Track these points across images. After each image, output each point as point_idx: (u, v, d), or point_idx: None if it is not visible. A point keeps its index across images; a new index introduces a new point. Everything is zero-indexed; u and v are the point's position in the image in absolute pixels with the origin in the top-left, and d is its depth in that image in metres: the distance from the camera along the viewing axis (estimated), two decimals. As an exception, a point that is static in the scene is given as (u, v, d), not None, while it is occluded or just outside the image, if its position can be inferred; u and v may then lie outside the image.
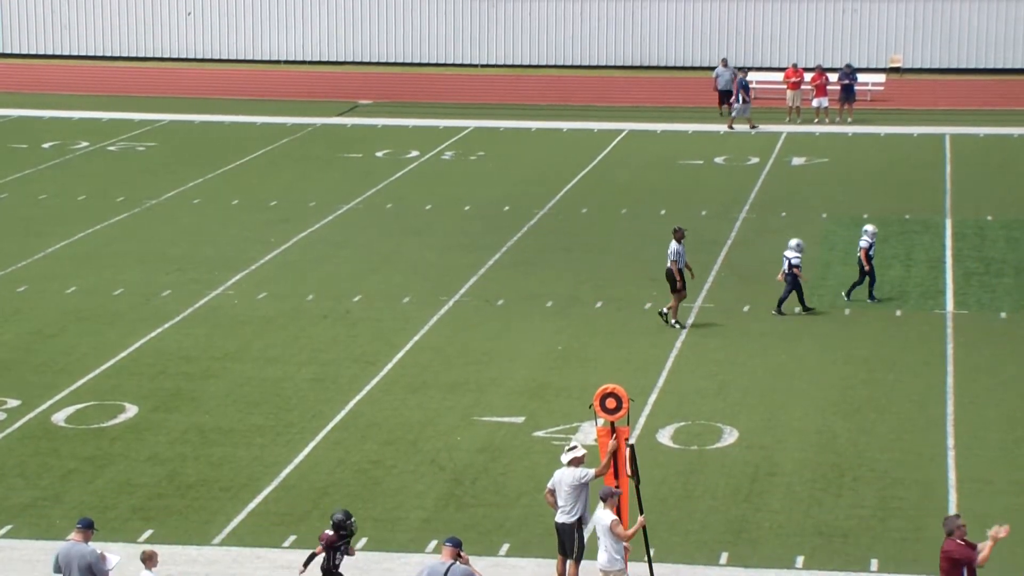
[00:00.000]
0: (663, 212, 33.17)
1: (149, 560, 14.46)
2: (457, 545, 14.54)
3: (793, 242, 25.79)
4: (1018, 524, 17.64)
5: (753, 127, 42.37)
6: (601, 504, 15.41)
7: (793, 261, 25.44)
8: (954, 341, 24.18)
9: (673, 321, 24.83)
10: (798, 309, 25.61)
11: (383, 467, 19.45)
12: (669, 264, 24.91)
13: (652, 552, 16.09)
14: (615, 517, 15.31)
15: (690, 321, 25.38)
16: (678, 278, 24.82)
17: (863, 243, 26.18)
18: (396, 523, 17.83)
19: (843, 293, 26.38)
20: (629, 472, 15.56)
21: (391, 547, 17.19)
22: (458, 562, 14.40)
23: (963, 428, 20.56)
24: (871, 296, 26.20)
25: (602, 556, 15.36)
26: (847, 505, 18.18)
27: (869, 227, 26.62)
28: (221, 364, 23.36)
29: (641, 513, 15.56)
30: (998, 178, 36.38)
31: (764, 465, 19.41)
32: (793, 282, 25.45)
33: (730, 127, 42.48)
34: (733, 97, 42.73)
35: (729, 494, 18.31)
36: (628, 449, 15.58)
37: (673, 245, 24.96)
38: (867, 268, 26.10)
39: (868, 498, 18.36)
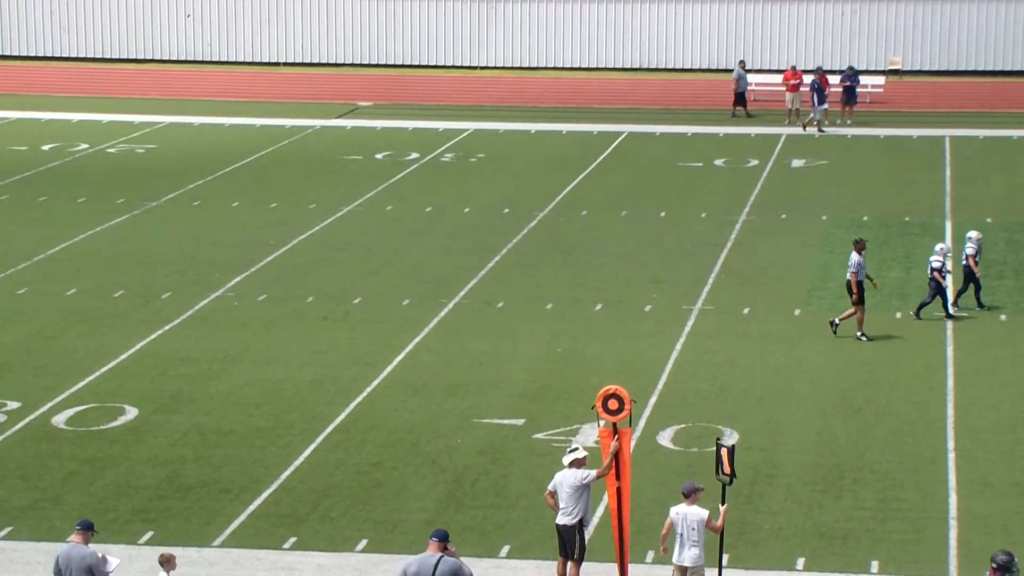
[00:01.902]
0: (663, 214, 33.18)
1: (167, 563, 14.42)
2: (443, 538, 14.49)
3: (937, 246, 25.46)
4: (1018, 527, 17.67)
5: (820, 131, 42.06)
6: (686, 500, 15.42)
7: (934, 265, 25.06)
8: (954, 343, 24.18)
9: (859, 333, 24.24)
10: (939, 312, 25.31)
11: (383, 469, 19.45)
12: (849, 275, 24.32)
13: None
14: (707, 511, 15.39)
15: (691, 323, 25.39)
16: (855, 290, 24.17)
17: (969, 249, 25.59)
18: (397, 525, 17.83)
19: (950, 305, 25.51)
20: (728, 471, 15.57)
21: (392, 549, 17.18)
22: (447, 553, 14.39)
23: (963, 430, 20.56)
24: (979, 304, 25.72)
25: (690, 552, 15.35)
26: (847, 507, 18.18)
27: (973, 233, 26.03)
28: (221, 366, 23.36)
29: (723, 503, 15.59)
30: (998, 180, 36.39)
31: (764, 467, 19.41)
32: (937, 287, 24.99)
33: (804, 128, 42.11)
34: (814, 100, 41.94)
35: (729, 495, 18.21)
36: (727, 450, 15.57)
37: (854, 256, 24.36)
38: (976, 274, 25.50)
39: (868, 500, 18.36)
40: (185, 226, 32.34)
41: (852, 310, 24.43)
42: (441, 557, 14.35)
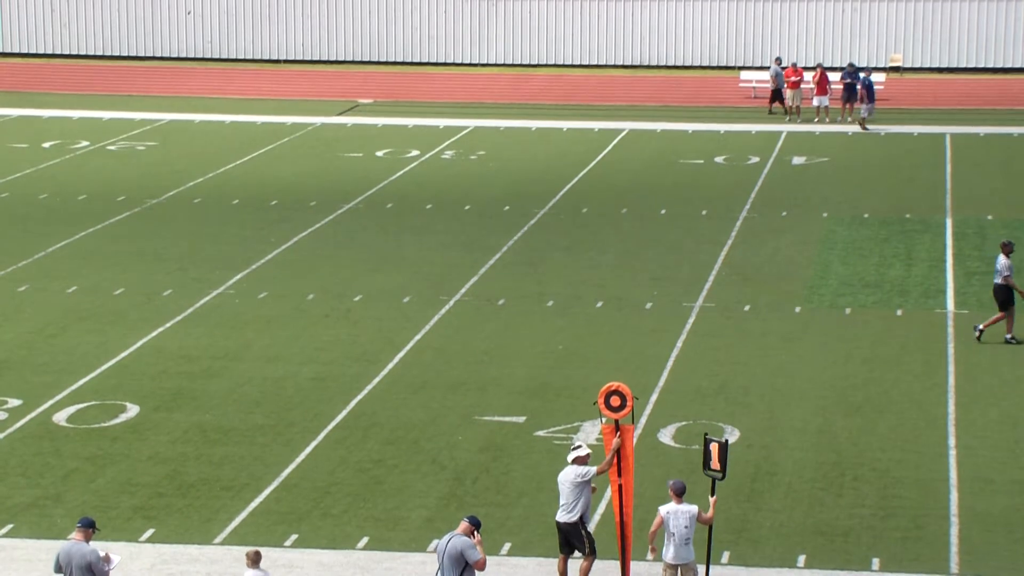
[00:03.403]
0: (663, 211, 33.18)
1: (255, 560, 14.46)
2: (471, 522, 14.91)
3: None
4: (1019, 524, 17.68)
5: (864, 128, 41.75)
6: (676, 498, 15.49)
7: None
8: (955, 340, 24.17)
9: (1008, 336, 23.77)
10: None
11: (385, 466, 19.46)
12: (999, 279, 23.83)
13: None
14: (696, 507, 15.50)
15: (691, 320, 25.38)
16: (1004, 294, 23.74)
17: None
18: (398, 522, 17.84)
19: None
20: (717, 467, 15.63)
21: (393, 546, 17.20)
22: (471, 538, 14.79)
23: (964, 427, 20.56)
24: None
25: (680, 550, 15.40)
26: (848, 504, 18.19)
27: None
28: (222, 363, 23.37)
29: (712, 495, 15.71)
30: (999, 177, 36.38)
31: (765, 464, 19.42)
32: None
33: (863, 127, 41.94)
34: (859, 98, 41.80)
35: (730, 493, 18.29)
36: (718, 445, 15.65)
37: (1002, 259, 23.91)
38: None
39: (869, 497, 18.37)
40: (185, 223, 32.34)
41: (999, 315, 23.94)
42: (455, 535, 14.79)
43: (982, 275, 27.88)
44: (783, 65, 44.47)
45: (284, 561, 16.84)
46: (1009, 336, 24.01)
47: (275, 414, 21.28)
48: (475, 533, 14.85)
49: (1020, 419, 20.93)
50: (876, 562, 16.70)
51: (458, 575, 14.81)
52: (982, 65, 50.92)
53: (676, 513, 15.52)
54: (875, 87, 42.79)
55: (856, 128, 42.40)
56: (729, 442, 16.11)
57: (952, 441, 20.10)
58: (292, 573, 16.57)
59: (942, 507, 18.07)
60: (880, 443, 20.04)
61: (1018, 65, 50.74)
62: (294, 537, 17.48)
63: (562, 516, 16.19)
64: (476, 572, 14.87)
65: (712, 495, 15.80)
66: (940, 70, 51.06)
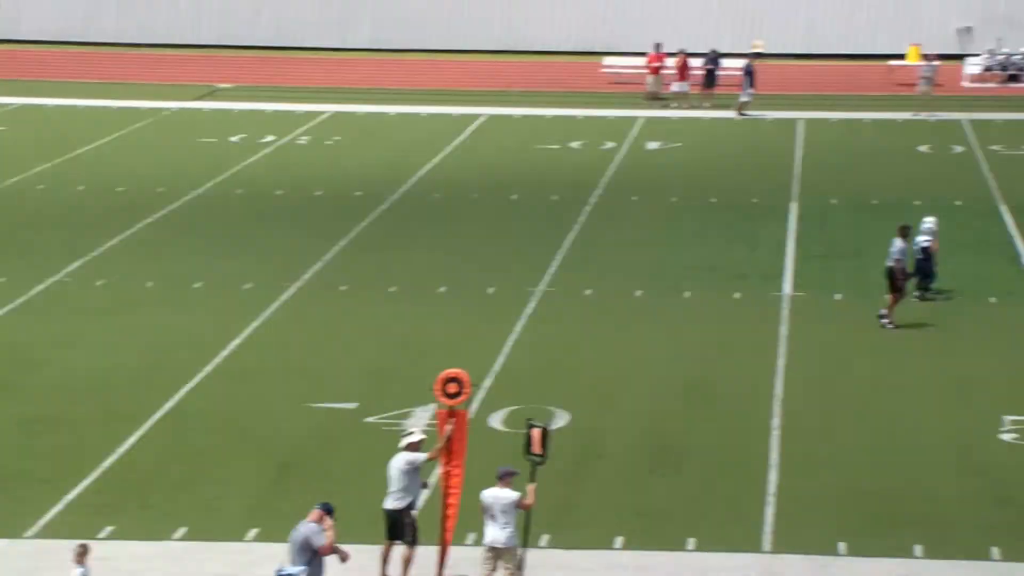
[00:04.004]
0: (514, 197, 33.21)
1: (82, 555, 14.41)
2: (325, 509, 14.83)
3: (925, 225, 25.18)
4: (834, 501, 17.91)
5: (742, 114, 41.85)
6: (499, 483, 15.61)
7: (923, 244, 24.88)
8: (788, 323, 24.49)
9: (883, 313, 23.80)
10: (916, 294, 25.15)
11: (208, 456, 19.22)
12: (891, 262, 23.80)
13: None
14: (519, 493, 15.57)
15: (532, 305, 25.42)
16: (899, 276, 23.77)
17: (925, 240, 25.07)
18: (217, 512, 17.63)
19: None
20: (540, 451, 15.81)
21: (212, 536, 17.00)
22: (322, 526, 14.73)
23: (789, 409, 20.81)
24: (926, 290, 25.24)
25: (500, 533, 15.53)
26: (669, 486, 18.35)
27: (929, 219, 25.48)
28: (50, 353, 22.91)
29: (532, 482, 15.79)
30: (846, 162, 36.91)
31: (593, 447, 19.53)
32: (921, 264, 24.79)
33: (740, 113, 42.02)
34: (744, 84, 41.85)
35: (554, 476, 18.30)
36: (540, 431, 15.79)
37: (897, 243, 23.92)
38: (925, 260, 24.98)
39: (691, 479, 18.54)
40: (30, 209, 31.63)
41: (893, 296, 23.90)
42: (304, 523, 14.70)
43: (822, 258, 28.33)
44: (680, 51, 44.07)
45: (98, 554, 16.50)
46: (885, 315, 23.94)
47: (103, 404, 20.91)
48: (325, 519, 14.73)
49: (844, 403, 21.24)
50: (692, 542, 16.87)
51: (306, 562, 14.65)
52: (840, 52, 51.68)
53: (496, 498, 15.61)
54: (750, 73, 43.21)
55: (712, 113, 42.78)
56: (552, 428, 16.21)
57: (776, 422, 20.37)
58: (106, 566, 16.28)
59: (761, 487, 18.29)
60: (707, 426, 20.25)
61: (878, 52, 51.58)
62: (109, 529, 17.19)
63: (390, 503, 16.14)
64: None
65: (531, 482, 15.86)
66: (799, 56, 51.72)
